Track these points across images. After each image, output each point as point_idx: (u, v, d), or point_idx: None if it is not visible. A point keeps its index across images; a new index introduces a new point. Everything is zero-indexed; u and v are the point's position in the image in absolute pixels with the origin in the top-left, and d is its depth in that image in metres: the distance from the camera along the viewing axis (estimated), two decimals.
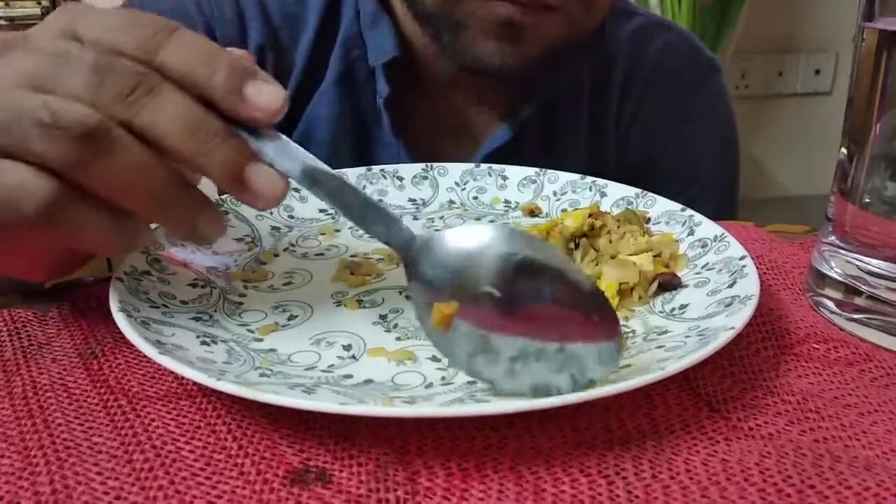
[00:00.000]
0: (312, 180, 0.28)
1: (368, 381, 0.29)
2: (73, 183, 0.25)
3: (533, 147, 0.59)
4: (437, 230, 0.29)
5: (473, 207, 0.48)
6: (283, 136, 0.28)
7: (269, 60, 0.56)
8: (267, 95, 0.26)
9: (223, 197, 0.43)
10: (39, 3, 1.59)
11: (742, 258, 0.35)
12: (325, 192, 0.28)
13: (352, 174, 0.48)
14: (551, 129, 0.60)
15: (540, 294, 0.27)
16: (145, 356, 0.28)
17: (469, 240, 0.28)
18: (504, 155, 0.57)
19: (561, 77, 0.58)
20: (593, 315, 0.27)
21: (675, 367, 0.26)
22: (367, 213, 0.29)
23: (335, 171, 0.28)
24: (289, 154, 0.27)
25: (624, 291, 0.36)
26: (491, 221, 0.46)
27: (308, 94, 0.58)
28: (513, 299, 0.27)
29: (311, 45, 0.57)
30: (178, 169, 0.26)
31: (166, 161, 0.26)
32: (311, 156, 0.28)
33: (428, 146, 0.59)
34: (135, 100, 0.25)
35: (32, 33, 0.27)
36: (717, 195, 0.66)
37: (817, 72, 2.02)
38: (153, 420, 0.27)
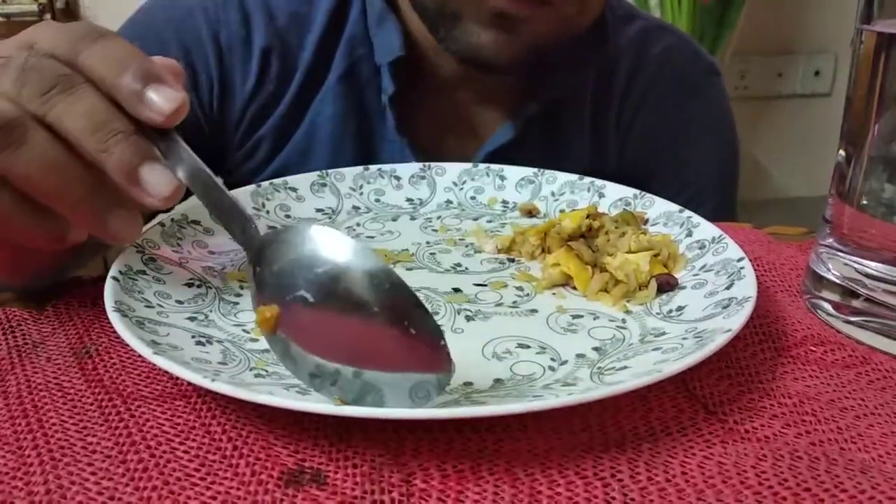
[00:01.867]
0: (193, 180, 0.29)
1: None
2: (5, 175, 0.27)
3: (535, 146, 0.60)
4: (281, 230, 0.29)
5: (471, 207, 0.48)
6: (180, 140, 0.29)
7: (275, 61, 0.57)
8: (164, 100, 0.28)
9: None
10: (36, 0, 1.59)
11: (740, 260, 0.35)
12: (201, 191, 0.30)
13: (349, 174, 0.48)
14: (554, 128, 0.60)
15: (363, 307, 0.25)
16: (140, 356, 0.28)
17: (300, 243, 0.27)
18: (506, 153, 0.57)
19: (563, 77, 0.59)
20: (415, 335, 0.25)
21: (671, 369, 0.26)
22: (231, 214, 0.30)
23: (210, 176, 0.30)
24: (179, 155, 0.29)
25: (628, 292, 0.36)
26: (489, 221, 0.46)
27: (312, 92, 0.58)
28: (329, 308, 0.26)
29: (317, 44, 0.57)
30: (96, 168, 0.28)
31: (78, 158, 0.27)
32: (198, 159, 0.30)
33: (431, 144, 0.59)
34: (50, 97, 0.27)
35: (1, 44, 0.29)
36: (715, 196, 0.67)
37: (817, 73, 2.02)
38: (148, 420, 0.27)
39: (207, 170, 0.30)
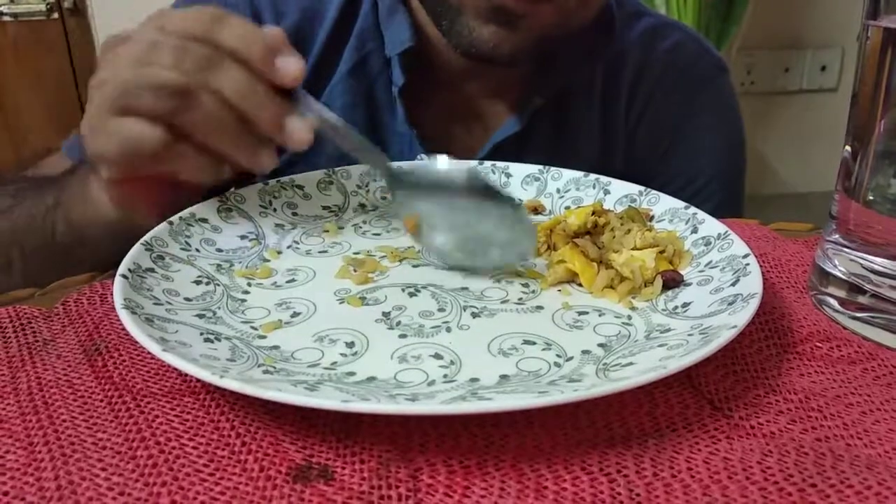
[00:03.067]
0: (324, 125, 0.38)
1: (371, 379, 0.29)
2: (174, 129, 0.35)
3: (544, 138, 0.60)
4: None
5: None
6: (308, 95, 0.38)
7: None
8: (289, 66, 0.36)
9: (227, 194, 0.43)
10: (44, 0, 1.59)
11: (745, 256, 0.35)
12: (331, 133, 0.39)
13: (355, 172, 0.48)
14: (563, 121, 0.61)
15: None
16: (149, 353, 0.28)
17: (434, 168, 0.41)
18: (514, 145, 0.58)
19: (570, 71, 0.59)
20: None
21: (676, 365, 0.26)
22: (362, 150, 0.40)
23: (338, 120, 0.39)
24: (310, 108, 0.38)
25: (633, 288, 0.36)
26: None
27: (321, 84, 0.59)
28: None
29: (327, 37, 0.58)
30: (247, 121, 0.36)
31: (234, 113, 0.35)
32: (326, 108, 0.39)
33: (440, 135, 0.60)
34: (207, 71, 0.35)
35: (134, 30, 0.37)
36: (722, 191, 0.67)
37: (823, 68, 2.01)
38: (157, 417, 0.27)
39: (334, 116, 0.39)
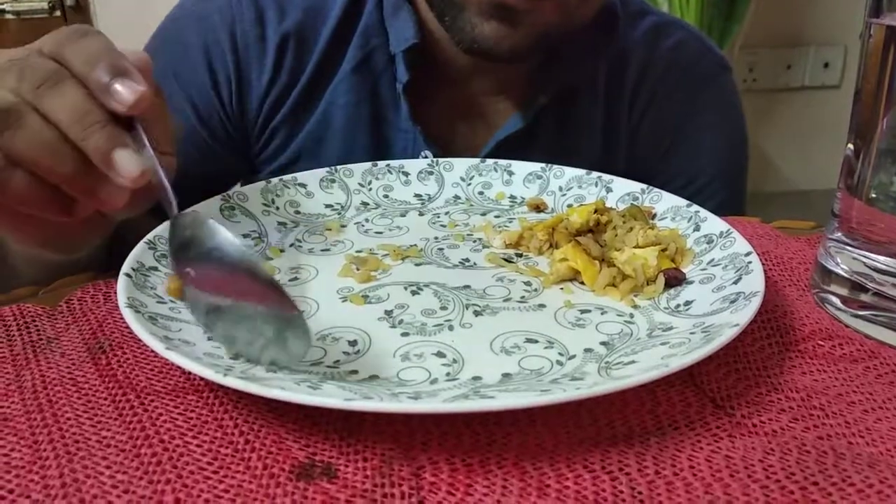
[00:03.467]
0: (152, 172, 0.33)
1: (374, 377, 0.29)
2: (7, 155, 0.32)
3: (548, 136, 0.60)
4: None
5: (479, 203, 0.48)
6: (140, 129, 0.34)
7: (290, 54, 0.58)
8: (127, 91, 0.32)
9: (230, 193, 0.43)
10: None
11: (748, 254, 0.35)
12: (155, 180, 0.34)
13: (357, 170, 0.49)
14: (567, 119, 0.61)
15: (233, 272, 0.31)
16: (153, 351, 0.28)
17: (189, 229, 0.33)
18: (518, 143, 0.58)
19: (574, 69, 0.60)
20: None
21: (678, 363, 0.26)
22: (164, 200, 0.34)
23: (158, 167, 0.34)
24: (144, 147, 0.33)
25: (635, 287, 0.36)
26: (496, 217, 0.46)
27: (326, 80, 0.59)
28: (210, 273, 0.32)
29: (331, 35, 0.59)
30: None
31: (68, 141, 0.32)
32: (151, 150, 0.33)
33: (443, 132, 0.60)
34: (43, 90, 0.32)
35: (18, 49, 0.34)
36: (724, 189, 0.67)
37: (826, 65, 2.01)
38: (161, 414, 0.27)
39: (157, 161, 0.34)
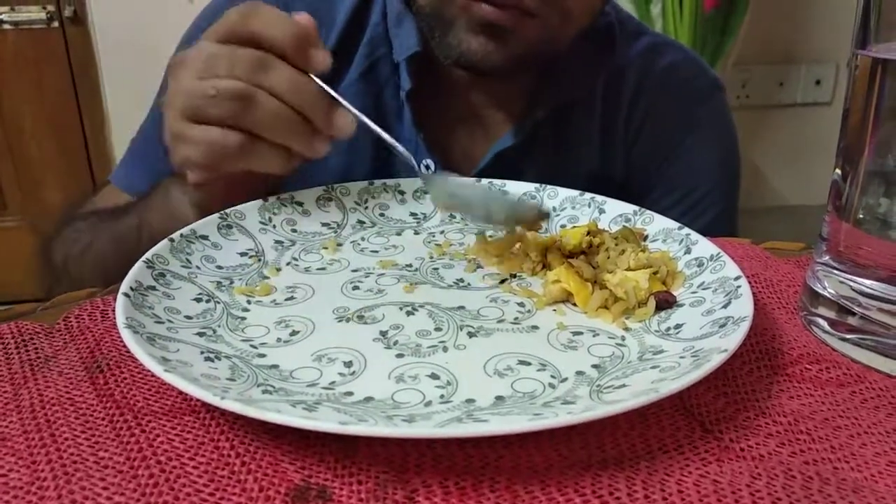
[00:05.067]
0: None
1: (369, 399, 0.29)
2: (245, 129, 0.40)
3: (545, 149, 0.62)
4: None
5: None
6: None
7: None
8: (319, 57, 0.42)
9: (227, 211, 0.44)
10: (44, 8, 1.60)
11: (737, 278, 0.36)
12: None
13: (354, 188, 0.49)
14: (564, 133, 0.63)
15: None
16: (150, 371, 0.29)
17: None
18: (516, 155, 0.59)
19: (571, 84, 0.61)
20: None
21: (668, 389, 0.27)
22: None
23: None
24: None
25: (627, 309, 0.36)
26: (490, 236, 0.47)
27: (330, 87, 0.60)
28: None
29: (336, 43, 0.60)
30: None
31: (290, 108, 0.40)
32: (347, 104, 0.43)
33: (444, 141, 0.62)
34: (260, 74, 0.40)
35: (189, 51, 0.43)
36: (717, 205, 0.68)
37: (818, 82, 2.03)
38: (158, 436, 0.28)
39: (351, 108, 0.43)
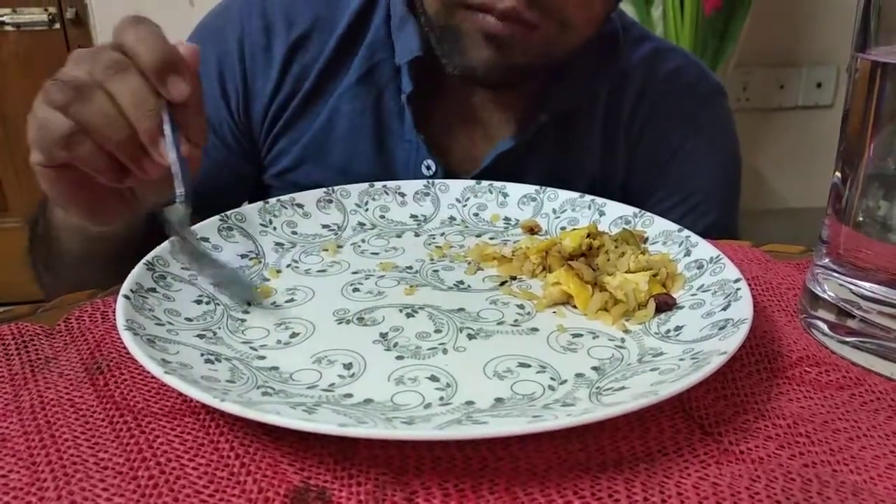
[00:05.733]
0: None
1: (368, 401, 0.29)
2: (76, 121, 0.38)
3: (547, 151, 0.62)
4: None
5: (474, 224, 0.49)
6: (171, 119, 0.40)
7: (295, 64, 0.60)
8: (178, 86, 0.39)
9: (228, 213, 0.44)
10: (46, 10, 1.61)
11: (737, 281, 0.36)
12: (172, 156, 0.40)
13: (354, 190, 0.49)
14: (566, 136, 0.63)
15: None
16: (150, 372, 0.29)
17: None
18: (517, 156, 0.59)
19: (574, 90, 0.62)
20: None
21: (668, 391, 0.27)
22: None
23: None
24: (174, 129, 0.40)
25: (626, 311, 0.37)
26: (491, 238, 0.47)
27: (330, 88, 0.61)
28: None
29: (336, 46, 0.61)
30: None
31: (123, 117, 0.38)
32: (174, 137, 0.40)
33: (445, 143, 0.62)
34: (109, 75, 0.38)
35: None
36: (718, 208, 0.68)
37: (819, 85, 2.03)
38: (158, 437, 0.28)
39: (177, 151, 0.40)
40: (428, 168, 0.59)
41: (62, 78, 0.39)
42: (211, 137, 0.59)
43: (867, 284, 0.35)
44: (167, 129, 0.39)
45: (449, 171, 0.59)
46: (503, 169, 0.57)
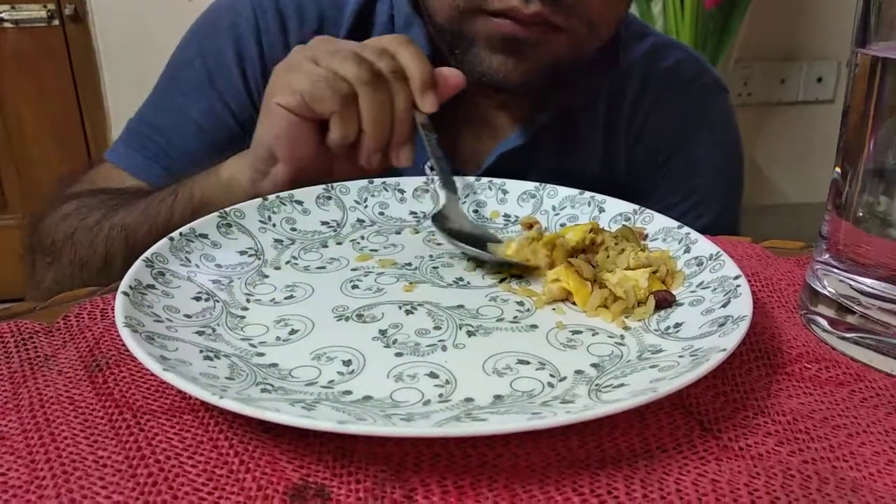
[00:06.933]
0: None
1: (367, 398, 0.29)
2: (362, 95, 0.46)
3: (548, 150, 0.62)
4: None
5: (473, 221, 0.49)
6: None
7: None
8: (433, 100, 0.48)
9: (227, 210, 0.44)
10: (45, 7, 1.60)
11: (737, 278, 0.36)
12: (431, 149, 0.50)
13: (353, 187, 0.49)
14: (568, 134, 0.63)
15: None
16: (149, 369, 0.29)
17: None
18: (520, 155, 0.59)
19: (577, 89, 0.61)
20: None
21: (667, 388, 0.27)
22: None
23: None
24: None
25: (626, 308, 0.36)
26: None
27: None
28: None
29: (345, 37, 0.61)
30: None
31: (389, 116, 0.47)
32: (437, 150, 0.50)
33: (449, 141, 0.62)
34: (394, 78, 0.46)
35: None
36: (719, 206, 0.68)
37: (819, 79, 2.03)
38: (157, 434, 0.28)
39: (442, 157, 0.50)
40: (431, 168, 0.59)
41: (349, 48, 0.46)
42: (239, 134, 0.60)
43: (867, 280, 0.35)
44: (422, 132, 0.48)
45: (452, 171, 0.59)
46: (506, 168, 0.57)
